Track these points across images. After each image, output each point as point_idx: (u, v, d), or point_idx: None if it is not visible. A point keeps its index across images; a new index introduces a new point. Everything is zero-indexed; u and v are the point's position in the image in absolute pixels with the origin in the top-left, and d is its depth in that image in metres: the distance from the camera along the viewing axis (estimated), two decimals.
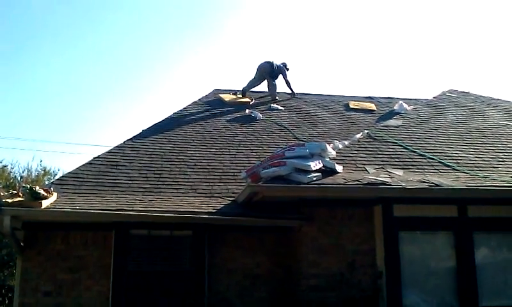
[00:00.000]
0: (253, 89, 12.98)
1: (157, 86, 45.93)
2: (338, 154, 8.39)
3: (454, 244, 7.52)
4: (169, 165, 9.02)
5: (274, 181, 7.12)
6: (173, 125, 10.71)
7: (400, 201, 7.32)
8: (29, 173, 21.65)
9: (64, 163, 43.43)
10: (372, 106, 12.62)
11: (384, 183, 7.20)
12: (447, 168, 8.35)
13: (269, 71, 12.89)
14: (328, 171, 7.48)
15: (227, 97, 12.62)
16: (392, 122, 10.38)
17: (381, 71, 43.42)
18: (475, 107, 11.96)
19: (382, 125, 10.40)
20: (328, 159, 7.72)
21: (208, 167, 9.05)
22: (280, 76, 12.95)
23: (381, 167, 8.14)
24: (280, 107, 12.17)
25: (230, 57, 44.75)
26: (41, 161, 25.12)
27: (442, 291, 7.43)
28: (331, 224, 7.43)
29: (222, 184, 8.50)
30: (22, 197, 6.98)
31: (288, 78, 13.00)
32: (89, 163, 8.90)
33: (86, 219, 7.28)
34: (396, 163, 8.40)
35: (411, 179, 7.50)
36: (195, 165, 9.10)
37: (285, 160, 7.34)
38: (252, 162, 8.91)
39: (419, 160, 8.60)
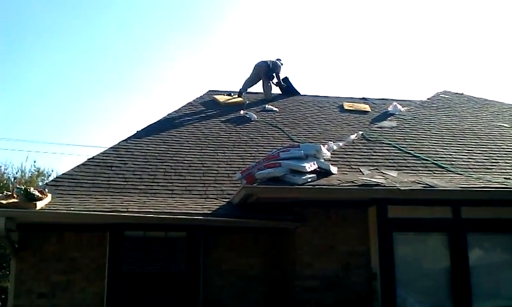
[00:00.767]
0: (248, 90, 13.01)
1: (151, 87, 45.93)
2: (332, 155, 8.41)
3: (448, 245, 7.54)
4: (163, 167, 9.01)
5: (269, 182, 7.14)
6: (167, 126, 10.70)
7: (394, 202, 7.33)
8: (23, 174, 21.58)
9: (58, 164, 43.30)
10: (367, 107, 12.65)
11: (378, 185, 7.21)
12: (441, 169, 8.39)
13: (265, 71, 12.90)
14: (322, 173, 7.49)
15: (222, 98, 12.62)
16: (386, 123, 10.42)
17: (375, 72, 43.55)
18: (468, 108, 12.02)
19: (376, 126, 10.44)
20: (322, 160, 7.73)
21: (203, 168, 9.04)
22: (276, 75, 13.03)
23: (376, 169, 8.16)
24: (275, 108, 12.18)
25: (225, 58, 44.77)
26: (34, 162, 24.85)
27: (436, 293, 7.44)
28: (326, 226, 7.43)
29: (217, 185, 8.49)
30: (17, 199, 6.95)
31: (281, 74, 13.05)
32: (84, 164, 8.88)
33: (81, 221, 7.26)
34: (390, 164, 8.42)
35: (405, 180, 7.52)
36: (190, 166, 9.09)
37: (280, 161, 7.35)
38: (247, 163, 8.91)
39: (413, 161, 8.63)
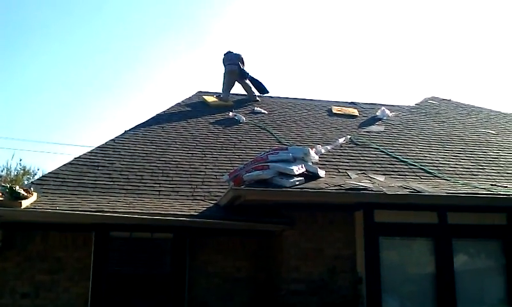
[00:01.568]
0: (232, 92, 13.02)
1: (140, 87, 45.71)
2: (320, 159, 8.43)
3: (433, 250, 7.57)
4: (151, 167, 8.96)
5: (256, 184, 7.12)
6: (155, 126, 10.65)
7: (381, 206, 7.35)
8: (8, 172, 21.41)
9: (44, 163, 42.98)
10: (355, 112, 12.71)
11: (365, 189, 7.22)
12: (427, 175, 8.43)
13: (238, 73, 12.93)
14: (310, 176, 7.50)
15: (211, 99, 12.61)
16: (374, 128, 10.47)
17: (364, 77, 43.74)
18: (456, 114, 12.11)
19: (364, 130, 10.48)
20: (310, 164, 7.74)
21: (190, 169, 9.01)
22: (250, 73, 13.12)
23: (363, 173, 8.18)
24: (264, 111, 12.19)
25: (215, 60, 44.70)
26: (20, 160, 24.75)
27: (421, 297, 7.47)
28: (313, 229, 7.43)
29: (204, 187, 8.47)
30: (2, 197, 6.89)
31: (245, 68, 13.08)
32: (70, 163, 8.81)
33: (66, 220, 7.18)
34: (378, 169, 8.45)
35: (392, 185, 7.54)
36: (177, 167, 9.06)
37: (268, 163, 7.34)
38: (235, 165, 8.90)
39: (400, 166, 8.66)
